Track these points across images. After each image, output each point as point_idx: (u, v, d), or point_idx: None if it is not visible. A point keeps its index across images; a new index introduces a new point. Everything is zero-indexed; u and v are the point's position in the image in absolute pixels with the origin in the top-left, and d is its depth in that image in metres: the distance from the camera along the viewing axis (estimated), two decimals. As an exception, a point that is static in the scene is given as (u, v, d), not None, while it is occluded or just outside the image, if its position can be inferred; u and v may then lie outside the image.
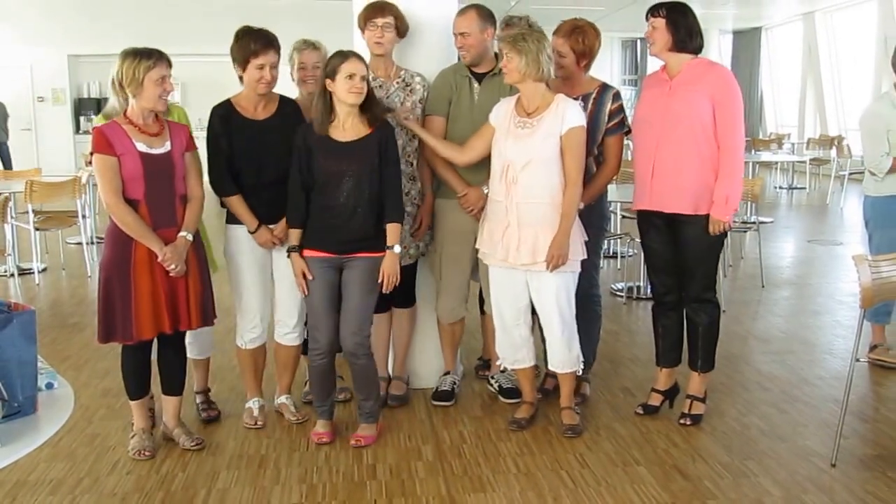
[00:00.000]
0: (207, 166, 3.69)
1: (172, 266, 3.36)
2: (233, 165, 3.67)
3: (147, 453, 3.59)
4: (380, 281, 3.57)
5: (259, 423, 3.94)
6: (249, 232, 3.72)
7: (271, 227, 3.73)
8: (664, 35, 3.70)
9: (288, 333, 3.93)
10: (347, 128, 3.55)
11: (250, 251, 3.77)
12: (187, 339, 3.75)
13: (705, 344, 3.91)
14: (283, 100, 3.80)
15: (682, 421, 3.93)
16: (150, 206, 3.36)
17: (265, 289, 3.88)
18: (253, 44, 3.59)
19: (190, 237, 3.44)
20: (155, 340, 3.53)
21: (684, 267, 3.86)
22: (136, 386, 3.61)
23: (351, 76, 3.45)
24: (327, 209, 3.55)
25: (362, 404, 3.78)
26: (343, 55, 3.49)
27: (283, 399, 4.07)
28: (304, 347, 4.11)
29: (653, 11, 3.74)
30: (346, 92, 3.46)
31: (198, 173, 3.53)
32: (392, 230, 3.57)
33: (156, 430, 3.77)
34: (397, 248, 3.58)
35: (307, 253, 3.58)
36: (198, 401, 4.05)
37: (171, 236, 3.40)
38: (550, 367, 3.88)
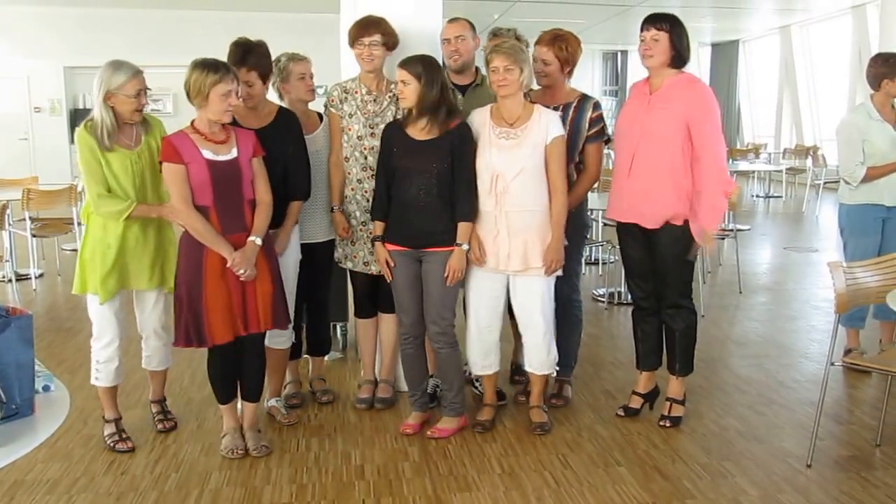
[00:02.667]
0: None
1: (242, 271, 3.40)
2: None
3: (240, 452, 3.63)
4: (445, 275, 3.69)
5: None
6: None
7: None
8: (666, 50, 3.70)
9: (277, 337, 3.99)
10: (423, 127, 3.65)
11: None
12: (145, 352, 3.81)
13: (682, 348, 3.99)
14: (282, 110, 3.87)
15: (661, 423, 4.01)
16: (220, 212, 3.41)
17: None
18: (229, 58, 3.66)
19: (259, 242, 3.47)
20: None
21: (659, 274, 3.93)
22: (224, 391, 3.67)
23: (401, 81, 3.61)
24: (401, 204, 3.69)
25: (444, 395, 3.92)
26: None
27: (273, 402, 4.12)
28: (293, 351, 4.18)
29: (654, 23, 3.69)
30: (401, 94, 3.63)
31: (265, 178, 3.55)
32: (462, 228, 3.69)
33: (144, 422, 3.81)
34: (465, 246, 3.69)
35: (389, 247, 3.75)
36: (153, 410, 3.99)
37: (241, 241, 3.44)
38: (528, 369, 3.96)
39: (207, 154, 3.40)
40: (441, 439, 3.83)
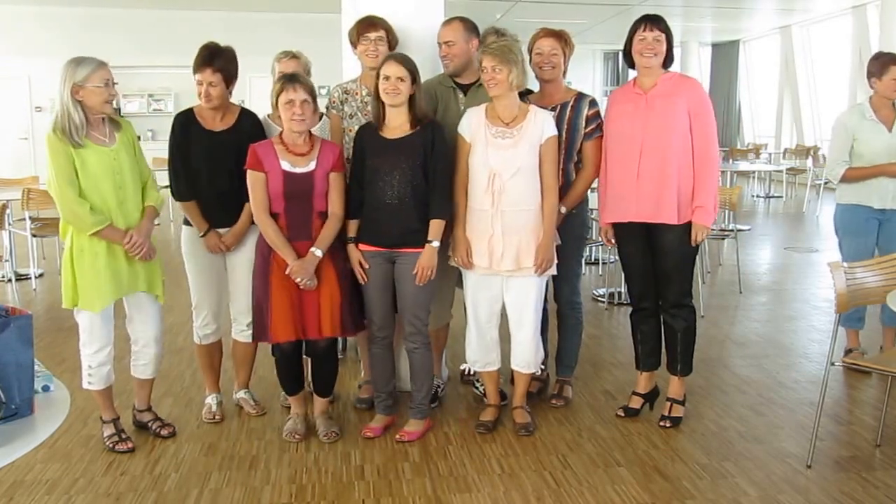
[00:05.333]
0: (168, 171, 3.84)
1: (298, 279, 3.53)
2: (190, 172, 3.81)
3: (297, 436, 3.81)
4: (414, 272, 3.67)
5: (217, 417, 4.10)
6: (200, 236, 3.88)
7: (220, 230, 3.89)
8: (664, 50, 3.75)
9: (244, 331, 4.06)
10: (395, 126, 3.68)
11: (204, 252, 3.91)
12: (139, 361, 3.80)
13: (683, 348, 3.99)
14: (243, 112, 3.95)
15: (661, 423, 4.01)
16: (288, 220, 3.58)
17: (219, 288, 4.04)
18: (196, 60, 3.77)
19: (319, 253, 3.57)
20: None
21: (662, 274, 3.93)
22: (288, 386, 3.89)
23: (387, 78, 3.59)
24: (374, 205, 3.68)
25: (414, 396, 3.93)
26: (386, 57, 3.68)
27: (241, 394, 4.24)
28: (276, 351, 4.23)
29: (657, 24, 3.74)
30: (382, 92, 3.62)
31: (339, 193, 3.66)
32: (434, 226, 3.67)
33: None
34: (436, 244, 3.67)
35: (361, 247, 3.74)
36: (146, 419, 3.95)
37: (305, 249, 3.57)
38: (514, 367, 3.95)
39: (285, 165, 3.57)
40: (410, 442, 3.83)
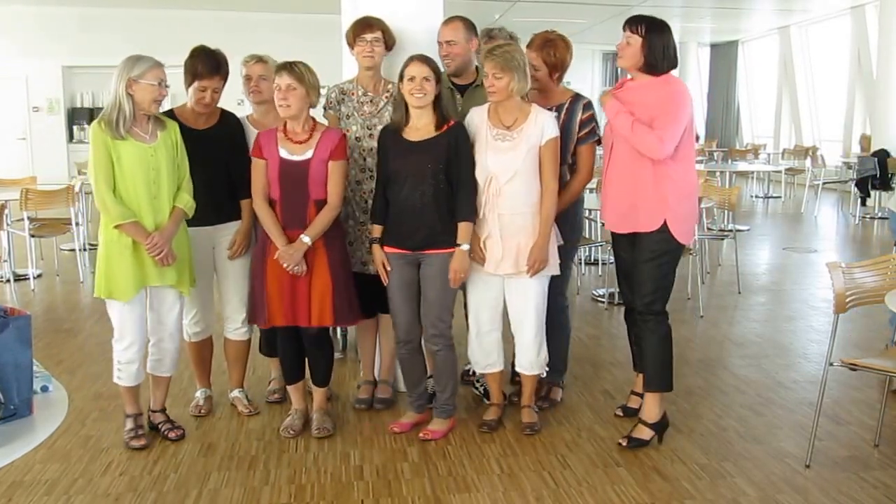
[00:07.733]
0: None
1: (285, 264, 3.58)
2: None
3: (291, 431, 3.86)
4: (449, 276, 3.67)
5: (203, 411, 4.15)
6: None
7: (210, 227, 3.94)
8: (636, 54, 3.57)
9: (237, 329, 4.09)
10: (419, 128, 3.66)
11: (194, 251, 3.88)
12: (152, 356, 3.79)
13: (652, 360, 3.77)
14: (225, 113, 4.00)
15: (620, 441, 3.78)
16: (284, 206, 3.65)
17: (209, 286, 4.05)
18: (200, 66, 3.79)
19: (307, 240, 3.59)
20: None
21: (634, 280, 3.81)
22: (286, 371, 3.93)
23: (412, 78, 3.57)
24: (399, 207, 3.68)
25: (438, 396, 3.93)
26: (409, 58, 3.64)
27: (236, 393, 4.25)
28: (264, 348, 4.31)
29: (632, 26, 3.59)
30: (407, 93, 3.60)
31: (337, 182, 3.64)
32: (462, 228, 3.65)
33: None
34: (465, 246, 3.65)
35: (387, 249, 3.74)
36: (158, 420, 3.91)
37: (297, 238, 3.61)
38: (518, 369, 3.94)
39: (283, 153, 3.63)
40: (433, 440, 3.83)
